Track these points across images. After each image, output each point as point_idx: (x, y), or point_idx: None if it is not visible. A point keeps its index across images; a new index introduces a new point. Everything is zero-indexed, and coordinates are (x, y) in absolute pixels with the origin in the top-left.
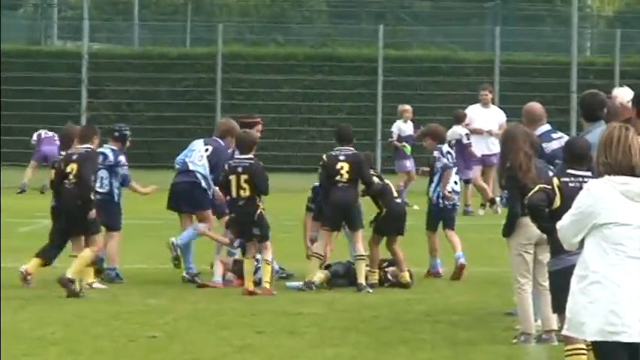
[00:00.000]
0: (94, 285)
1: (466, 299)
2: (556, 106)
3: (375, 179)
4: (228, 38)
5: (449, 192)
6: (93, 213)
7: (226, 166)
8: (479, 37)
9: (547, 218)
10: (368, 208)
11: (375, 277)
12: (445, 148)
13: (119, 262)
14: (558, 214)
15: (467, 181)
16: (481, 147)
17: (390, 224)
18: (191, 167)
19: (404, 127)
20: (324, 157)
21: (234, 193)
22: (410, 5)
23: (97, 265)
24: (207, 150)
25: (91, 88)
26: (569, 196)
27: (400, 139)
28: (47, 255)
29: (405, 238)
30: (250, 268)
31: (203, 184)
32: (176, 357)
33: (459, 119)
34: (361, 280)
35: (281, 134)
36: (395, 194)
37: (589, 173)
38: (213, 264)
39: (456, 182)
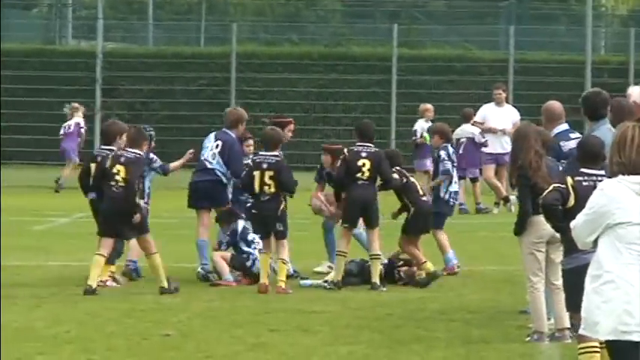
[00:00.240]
0: (108, 283)
1: (479, 297)
2: (570, 105)
3: (395, 176)
4: (242, 37)
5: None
6: (138, 217)
7: (250, 162)
8: (493, 36)
9: (561, 217)
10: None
11: (422, 274)
12: (450, 149)
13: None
14: (572, 213)
15: (474, 180)
16: (495, 146)
17: (418, 223)
18: (208, 165)
19: (426, 126)
20: (346, 151)
21: (257, 189)
22: (424, 4)
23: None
24: (217, 146)
25: (106, 87)
26: (583, 195)
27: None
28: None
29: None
30: (267, 263)
31: (224, 180)
32: (189, 355)
33: (467, 118)
34: (376, 279)
35: (295, 133)
36: (420, 192)
37: (602, 172)
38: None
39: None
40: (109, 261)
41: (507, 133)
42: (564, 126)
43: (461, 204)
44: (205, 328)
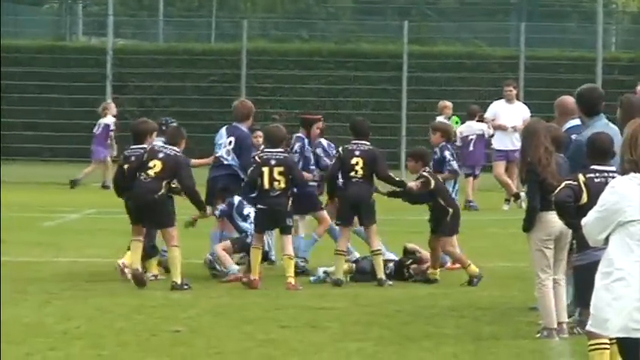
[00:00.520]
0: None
1: (489, 294)
2: None
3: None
4: (252, 34)
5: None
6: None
7: (257, 158)
8: (504, 32)
9: (574, 214)
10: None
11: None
12: (450, 148)
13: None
14: (585, 209)
15: (469, 175)
16: (505, 142)
17: (456, 223)
18: (225, 162)
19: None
20: (340, 149)
21: (266, 185)
22: (435, 1)
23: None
24: (230, 142)
25: (116, 83)
26: (595, 191)
27: None
28: (151, 252)
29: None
30: (258, 258)
31: (241, 175)
32: (199, 351)
33: (473, 115)
34: (381, 274)
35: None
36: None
37: (613, 168)
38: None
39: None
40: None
41: (518, 130)
42: (576, 121)
43: (469, 201)
44: (215, 324)
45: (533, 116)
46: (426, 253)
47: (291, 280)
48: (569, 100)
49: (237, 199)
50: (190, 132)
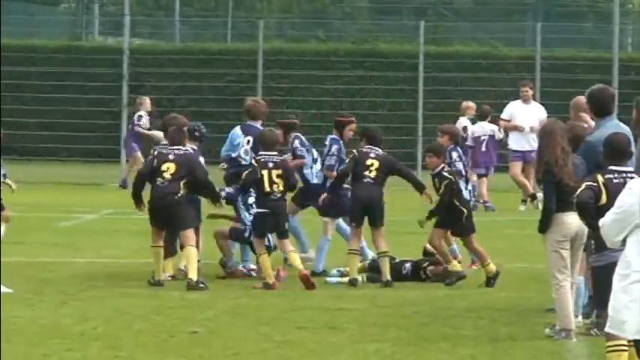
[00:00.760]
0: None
1: (507, 295)
2: None
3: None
4: (269, 34)
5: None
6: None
7: (254, 162)
8: (520, 33)
9: (594, 215)
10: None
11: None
12: (459, 149)
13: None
14: (604, 210)
15: (483, 176)
16: (522, 143)
17: (471, 223)
18: (243, 162)
19: (468, 124)
20: (355, 151)
21: (267, 188)
22: (451, 1)
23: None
24: (248, 142)
25: (132, 83)
26: (614, 192)
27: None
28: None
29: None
30: (268, 262)
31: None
32: (217, 352)
33: (485, 115)
34: (387, 276)
35: (322, 130)
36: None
37: (631, 168)
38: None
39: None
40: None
41: (534, 131)
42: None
43: (485, 202)
44: (232, 325)
45: (549, 117)
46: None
47: (302, 268)
48: (584, 100)
49: None
50: (206, 132)
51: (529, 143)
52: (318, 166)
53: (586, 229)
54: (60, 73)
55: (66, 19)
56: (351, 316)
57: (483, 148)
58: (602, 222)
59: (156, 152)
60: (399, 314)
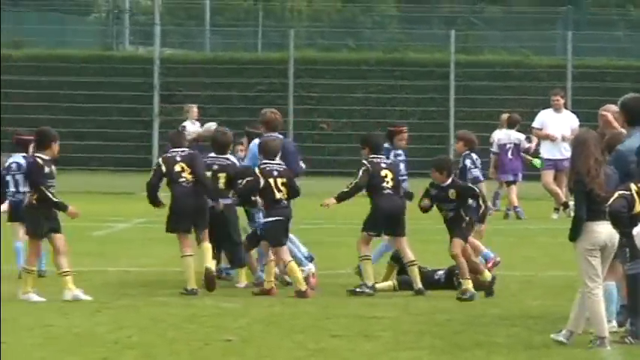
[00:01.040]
0: None
1: (540, 303)
2: None
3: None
4: (299, 43)
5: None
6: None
7: (258, 171)
8: (550, 41)
9: (628, 224)
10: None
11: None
12: (474, 155)
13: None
14: (638, 218)
15: (512, 183)
16: (554, 152)
17: (468, 232)
18: None
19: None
20: (367, 163)
21: (277, 196)
22: (481, 10)
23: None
24: None
25: (163, 93)
26: None
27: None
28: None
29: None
30: (297, 269)
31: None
32: None
33: (514, 123)
34: (419, 284)
35: (353, 139)
36: None
37: None
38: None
39: None
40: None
41: (566, 139)
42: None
43: (515, 207)
44: (266, 333)
45: (581, 125)
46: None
47: (303, 286)
48: (614, 109)
49: None
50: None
51: (560, 152)
52: None
53: (617, 238)
54: (91, 82)
55: (97, 29)
56: (385, 324)
57: (509, 156)
58: (636, 230)
59: (160, 159)
60: (432, 322)
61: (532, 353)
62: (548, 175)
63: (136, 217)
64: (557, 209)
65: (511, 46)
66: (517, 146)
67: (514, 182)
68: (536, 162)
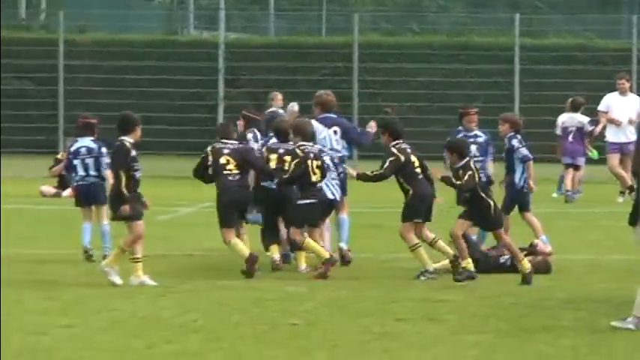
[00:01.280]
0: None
1: (606, 286)
2: None
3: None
4: (363, 27)
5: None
6: None
7: (300, 152)
8: (615, 25)
9: None
10: None
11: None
12: (519, 136)
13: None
14: None
15: (577, 167)
16: (619, 135)
17: (499, 217)
18: (339, 154)
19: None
20: (396, 151)
21: (314, 178)
22: None
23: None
24: (335, 132)
25: (228, 77)
26: None
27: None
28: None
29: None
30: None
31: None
32: (316, 344)
33: (578, 107)
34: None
35: (417, 123)
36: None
37: None
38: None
39: None
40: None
41: (632, 123)
42: None
43: (567, 190)
44: (332, 317)
45: None
46: (542, 246)
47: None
48: None
49: None
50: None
51: (626, 135)
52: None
53: None
54: (156, 67)
55: (161, 13)
56: (451, 307)
57: (570, 139)
58: None
59: (209, 148)
60: (498, 305)
61: (598, 337)
62: (614, 159)
63: (201, 201)
64: (622, 193)
65: (575, 29)
66: (580, 130)
67: (572, 165)
68: (593, 153)
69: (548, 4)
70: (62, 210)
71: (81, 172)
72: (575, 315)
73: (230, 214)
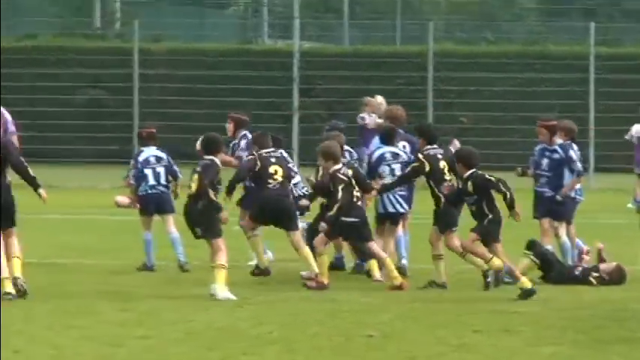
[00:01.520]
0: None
1: None
2: None
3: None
4: (437, 36)
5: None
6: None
7: (342, 176)
8: None
9: None
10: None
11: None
12: (575, 146)
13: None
14: None
15: None
16: None
17: (495, 230)
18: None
19: None
20: (422, 157)
21: (354, 198)
22: (620, 2)
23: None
24: (404, 146)
25: (303, 86)
26: None
27: None
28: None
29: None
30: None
31: None
32: (392, 356)
33: None
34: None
35: (492, 132)
36: None
37: None
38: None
39: None
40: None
41: None
42: None
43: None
44: (407, 328)
45: None
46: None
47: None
48: None
49: None
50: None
51: None
52: None
53: None
54: (230, 76)
55: (235, 22)
56: (526, 319)
57: None
58: None
59: (256, 155)
60: (574, 317)
61: None
62: None
63: None
64: None
65: None
66: None
67: None
68: None
69: (623, 12)
70: (136, 220)
71: (152, 181)
72: None
73: (260, 216)
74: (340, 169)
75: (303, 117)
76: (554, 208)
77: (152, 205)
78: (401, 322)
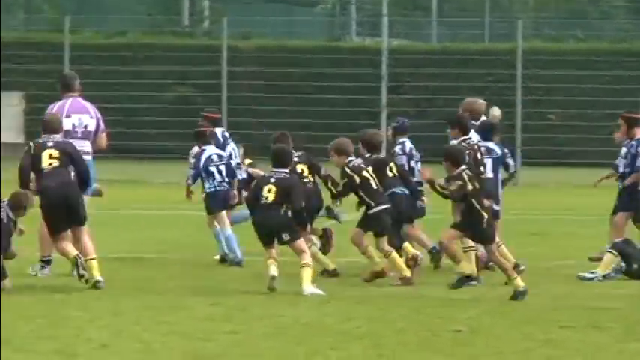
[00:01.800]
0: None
1: None
2: None
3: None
4: (526, 33)
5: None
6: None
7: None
8: None
9: None
10: None
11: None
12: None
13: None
14: None
15: None
16: None
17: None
18: None
19: None
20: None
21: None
22: None
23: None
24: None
25: (391, 84)
26: None
27: None
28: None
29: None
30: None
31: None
32: (480, 351)
33: None
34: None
35: (581, 130)
36: None
37: None
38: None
39: None
40: None
41: None
42: None
43: None
44: (495, 324)
45: None
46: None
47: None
48: None
49: None
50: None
51: None
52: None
53: None
54: (318, 74)
55: (323, 20)
56: (615, 314)
57: None
58: None
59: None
60: None
61: None
62: None
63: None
64: None
65: None
66: None
67: None
68: None
69: None
70: None
71: (218, 178)
72: None
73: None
74: (351, 161)
75: (391, 114)
76: None
77: (221, 201)
78: (488, 318)
